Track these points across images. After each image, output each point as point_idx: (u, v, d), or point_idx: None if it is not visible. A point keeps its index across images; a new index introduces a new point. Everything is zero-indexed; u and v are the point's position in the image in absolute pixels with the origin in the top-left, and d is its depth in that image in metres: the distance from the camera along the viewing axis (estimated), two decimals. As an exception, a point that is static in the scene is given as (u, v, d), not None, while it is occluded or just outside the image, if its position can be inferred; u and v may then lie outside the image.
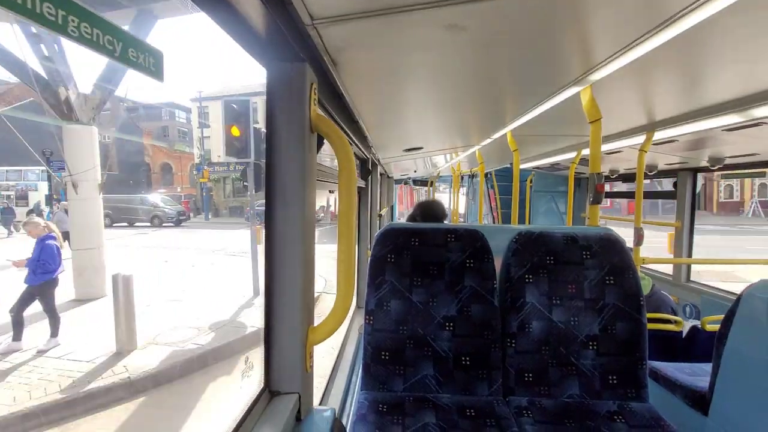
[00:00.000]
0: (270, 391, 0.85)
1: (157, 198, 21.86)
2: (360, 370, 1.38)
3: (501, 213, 6.12)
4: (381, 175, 3.92)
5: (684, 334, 2.30)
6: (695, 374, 1.70)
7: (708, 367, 1.55)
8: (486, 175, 6.17)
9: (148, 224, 20.61)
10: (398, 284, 1.35)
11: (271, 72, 0.79)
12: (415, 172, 6.08)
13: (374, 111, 1.53)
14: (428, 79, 1.19)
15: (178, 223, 21.04)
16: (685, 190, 3.07)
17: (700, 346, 2.17)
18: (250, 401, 0.79)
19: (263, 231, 0.84)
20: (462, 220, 7.95)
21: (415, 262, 1.37)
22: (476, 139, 2.65)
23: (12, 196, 20.59)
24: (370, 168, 2.59)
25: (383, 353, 1.32)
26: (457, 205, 5.32)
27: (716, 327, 1.55)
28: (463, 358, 1.32)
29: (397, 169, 5.32)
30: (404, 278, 1.35)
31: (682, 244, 3.08)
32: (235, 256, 11.08)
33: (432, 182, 7.77)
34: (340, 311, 0.85)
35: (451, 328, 1.33)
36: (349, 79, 1.07)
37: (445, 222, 2.48)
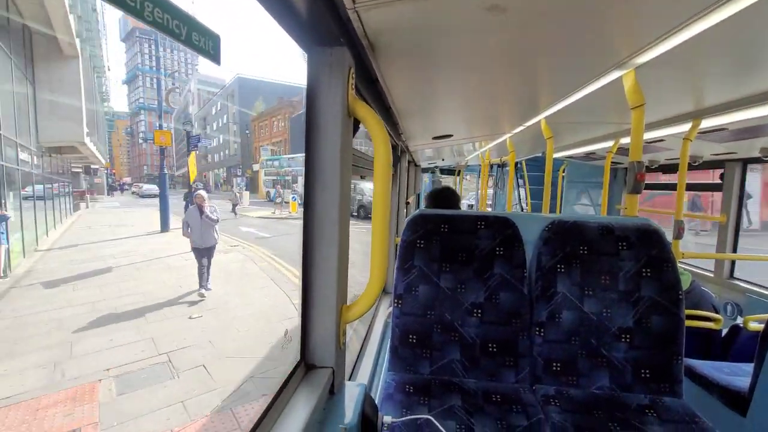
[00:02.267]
0: (306, 365, 0.90)
1: (367, 185, 17.65)
2: (387, 352, 1.41)
3: (531, 203, 5.97)
4: (409, 162, 3.91)
5: (724, 333, 2.20)
6: (734, 374, 1.64)
7: (748, 367, 1.49)
8: (516, 164, 6.02)
9: (355, 214, 16.88)
10: (427, 269, 1.36)
11: (312, 56, 0.81)
12: (442, 160, 6.01)
13: (407, 97, 1.52)
14: (464, 64, 1.17)
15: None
16: (733, 182, 2.89)
17: (740, 346, 2.08)
18: (288, 372, 0.83)
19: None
20: (490, 209, 7.81)
21: (444, 248, 1.37)
22: (508, 126, 2.59)
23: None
24: (399, 155, 2.60)
25: (411, 336, 1.34)
26: (485, 194, 5.24)
27: (759, 327, 1.48)
28: (490, 345, 1.32)
29: (424, 157, 5.28)
30: (433, 264, 1.36)
31: (726, 239, 2.91)
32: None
33: (460, 171, 7.66)
34: (373, 292, 0.88)
35: (479, 315, 1.33)
36: (385, 63, 1.07)
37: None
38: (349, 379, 1.55)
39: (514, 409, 1.17)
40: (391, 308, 1.41)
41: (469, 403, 1.19)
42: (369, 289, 0.88)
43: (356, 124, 0.94)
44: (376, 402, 1.20)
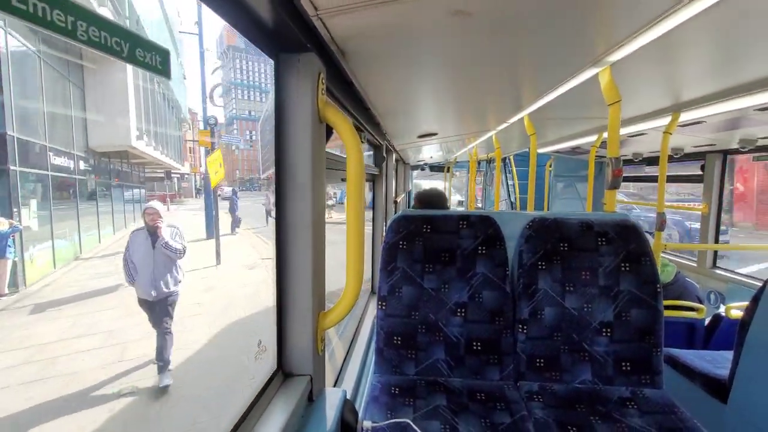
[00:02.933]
0: (283, 373, 0.89)
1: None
2: (373, 354, 1.41)
3: (520, 198, 6.02)
4: (397, 161, 3.90)
5: (707, 322, 2.24)
6: (715, 362, 1.67)
7: (729, 355, 1.52)
8: (504, 160, 6.06)
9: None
10: (410, 270, 1.36)
11: (279, 62, 0.80)
12: (431, 158, 6.03)
13: (386, 98, 1.52)
14: (439, 66, 1.17)
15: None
16: (713, 174, 2.94)
17: (722, 334, 2.12)
18: (264, 381, 0.83)
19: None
20: (480, 206, 7.85)
21: (426, 249, 1.38)
22: (492, 123, 2.60)
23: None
24: (384, 155, 2.59)
25: (395, 338, 1.34)
26: (473, 191, 5.25)
27: (741, 314, 1.51)
28: (474, 344, 1.33)
29: (413, 155, 5.28)
30: (416, 265, 1.37)
31: (708, 229, 2.97)
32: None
33: (449, 168, 7.68)
34: (350, 297, 0.87)
35: (463, 314, 1.34)
36: (358, 67, 1.07)
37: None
38: (336, 382, 1.55)
39: (498, 407, 1.17)
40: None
41: (454, 402, 1.19)
42: (346, 294, 0.87)
43: (331, 128, 0.93)
44: (362, 405, 1.20)
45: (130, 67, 12.05)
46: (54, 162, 8.95)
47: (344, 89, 1.22)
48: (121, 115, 11.96)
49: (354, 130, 0.84)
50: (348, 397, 1.47)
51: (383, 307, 1.36)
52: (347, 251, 0.86)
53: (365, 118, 1.70)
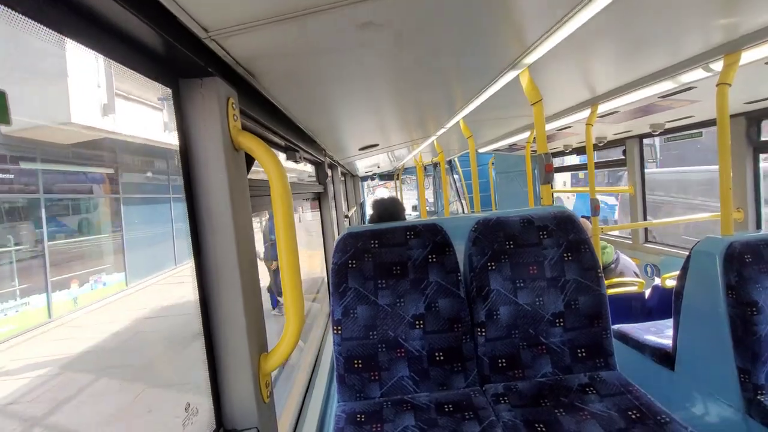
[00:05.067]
0: (225, 430, 0.80)
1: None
2: (335, 382, 1.35)
3: (468, 198, 6.20)
4: (344, 174, 3.86)
5: (648, 294, 2.41)
6: (660, 331, 1.78)
7: (671, 322, 1.62)
8: (449, 162, 6.24)
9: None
10: (362, 289, 1.32)
11: (178, 90, 0.73)
12: (378, 167, 6.05)
13: (314, 116, 1.48)
14: (362, 78, 1.15)
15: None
16: (634, 157, 3.20)
17: (661, 304, 2.28)
18: None
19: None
20: (432, 209, 8.01)
21: (377, 265, 1.34)
22: (431, 129, 2.65)
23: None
24: (327, 171, 2.53)
25: (356, 361, 1.29)
26: (423, 198, 5.32)
27: (675, 284, 1.62)
28: (436, 354, 1.31)
29: (361, 166, 5.27)
30: (368, 282, 1.32)
31: (637, 208, 3.21)
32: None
33: (398, 175, 7.77)
34: (293, 332, 0.81)
35: (421, 326, 1.31)
36: (274, 88, 1.02)
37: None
38: (298, 422, 1.46)
39: (467, 416, 1.15)
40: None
41: (422, 420, 1.16)
42: (288, 329, 0.81)
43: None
44: None
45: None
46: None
47: (267, 111, 1.16)
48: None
49: (274, 155, 0.78)
50: None
51: (339, 332, 1.30)
52: (283, 285, 0.80)
53: (299, 138, 1.64)
